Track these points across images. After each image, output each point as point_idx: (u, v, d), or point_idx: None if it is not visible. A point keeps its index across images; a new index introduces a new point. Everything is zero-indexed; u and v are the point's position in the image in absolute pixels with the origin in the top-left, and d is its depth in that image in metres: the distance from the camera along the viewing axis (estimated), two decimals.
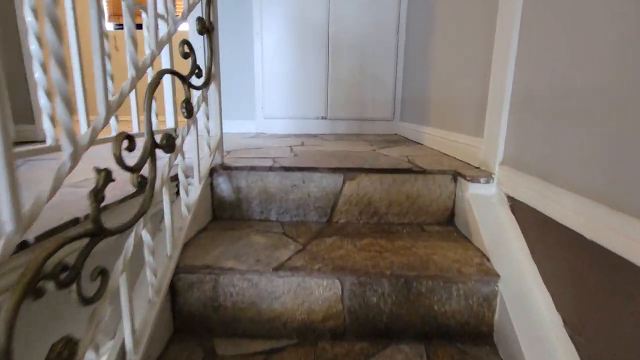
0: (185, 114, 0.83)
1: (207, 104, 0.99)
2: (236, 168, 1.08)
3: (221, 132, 1.10)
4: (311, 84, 2.29)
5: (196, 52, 0.85)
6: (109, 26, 4.56)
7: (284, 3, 2.19)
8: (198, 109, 0.93)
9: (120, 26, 4.58)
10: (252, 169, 1.07)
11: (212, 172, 1.08)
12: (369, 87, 2.28)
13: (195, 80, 0.89)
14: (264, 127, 2.37)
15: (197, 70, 0.89)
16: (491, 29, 1.01)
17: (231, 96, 2.35)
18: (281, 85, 2.30)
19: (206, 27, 0.97)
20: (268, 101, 2.33)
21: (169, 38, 0.83)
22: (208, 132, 1.05)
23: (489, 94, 1.01)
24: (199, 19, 0.95)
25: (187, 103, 0.83)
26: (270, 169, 1.07)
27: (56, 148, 0.60)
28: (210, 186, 1.09)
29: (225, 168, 1.08)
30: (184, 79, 0.82)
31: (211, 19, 0.99)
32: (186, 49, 0.83)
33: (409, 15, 2.12)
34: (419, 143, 1.78)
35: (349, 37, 2.21)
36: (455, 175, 1.04)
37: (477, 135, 1.11)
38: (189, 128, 0.88)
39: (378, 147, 1.61)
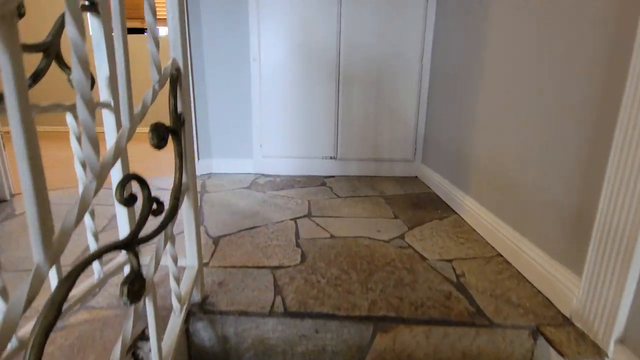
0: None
1: (172, 243, 0.66)
2: (221, 313, 0.76)
3: (199, 263, 0.78)
4: (318, 119, 1.95)
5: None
6: None
7: (285, 28, 1.84)
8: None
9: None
10: (244, 314, 0.76)
11: (189, 316, 0.77)
12: (386, 123, 1.94)
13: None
14: (264, 167, 2.05)
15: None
16: (617, 80, 0.68)
17: (225, 132, 2.02)
18: (282, 120, 1.96)
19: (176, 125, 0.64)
20: (267, 138, 2.00)
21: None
22: (175, 263, 0.73)
23: (599, 207, 0.69)
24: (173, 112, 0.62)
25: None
26: (270, 314, 0.76)
27: None
28: (186, 333, 0.78)
29: (207, 312, 0.76)
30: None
31: (180, 112, 0.66)
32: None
33: (436, 42, 1.77)
34: (453, 210, 1.45)
35: (363, 66, 1.86)
36: (536, 333, 0.73)
37: (569, 265, 0.79)
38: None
39: (404, 219, 1.28)
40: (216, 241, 1.12)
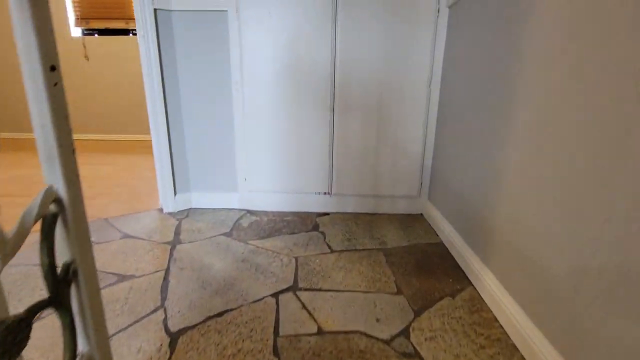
0: None
1: None
2: None
3: None
4: (310, 150, 1.71)
5: None
6: (77, 31, 3.90)
7: (271, 47, 1.58)
8: None
9: (90, 31, 3.93)
10: None
11: None
12: (388, 155, 1.69)
13: None
14: (249, 202, 1.81)
15: None
16: None
17: (205, 164, 1.78)
18: (270, 151, 1.72)
19: None
20: (253, 171, 1.77)
21: None
22: None
23: None
24: None
25: None
26: None
27: None
28: None
29: None
30: None
31: None
32: None
33: (448, 64, 1.51)
34: (468, 279, 1.22)
35: (362, 90, 1.61)
36: None
37: None
38: None
39: (409, 294, 1.06)
40: (174, 341, 0.89)
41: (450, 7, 1.48)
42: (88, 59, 3.96)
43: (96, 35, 3.94)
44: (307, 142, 1.70)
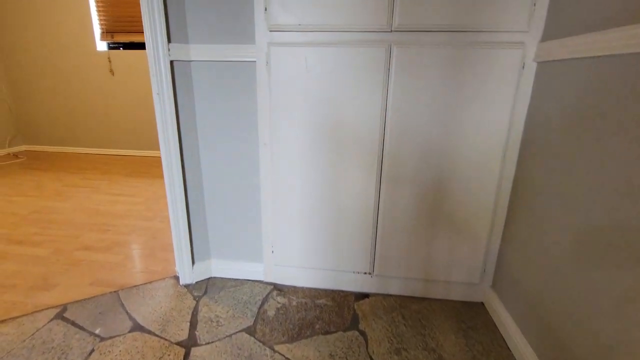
0: None
1: None
2: None
3: None
4: (348, 223, 1.43)
5: None
6: (102, 45, 3.79)
7: (307, 102, 1.31)
8: None
9: (115, 45, 3.80)
10: None
11: None
12: (445, 235, 1.39)
13: None
14: (277, 276, 1.57)
15: None
16: None
17: (227, 230, 1.55)
18: (300, 221, 1.47)
19: None
20: (281, 242, 1.52)
21: None
22: None
23: None
24: None
25: None
26: None
27: None
28: None
29: None
30: None
31: None
32: None
33: (534, 129, 1.18)
34: None
35: (417, 159, 1.31)
36: None
37: None
38: None
39: None
40: None
41: (539, 62, 1.14)
42: (113, 74, 3.85)
43: (121, 48, 3.81)
44: (346, 214, 1.42)
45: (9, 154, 4.02)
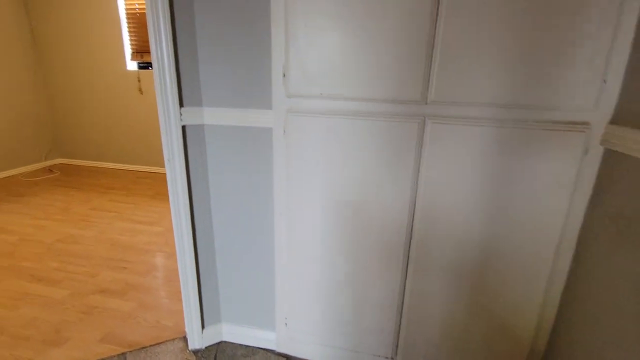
0: None
1: None
2: None
3: None
4: (369, 304, 1.29)
5: None
6: (132, 65, 3.85)
7: (326, 175, 1.18)
8: None
9: (144, 64, 3.85)
10: None
11: None
12: (481, 329, 1.21)
13: None
14: (291, 348, 1.46)
15: None
16: None
17: (239, 295, 1.46)
18: (316, 295, 1.34)
19: None
20: (295, 314, 1.40)
21: None
22: None
23: None
24: None
25: None
26: None
27: None
28: None
29: None
30: None
31: None
32: None
33: (597, 220, 0.98)
34: None
35: (451, 248, 1.14)
36: None
37: None
38: None
39: None
40: None
41: (607, 148, 0.94)
42: (142, 92, 3.90)
43: (149, 68, 3.85)
44: (369, 294, 1.28)
45: (44, 167, 4.18)
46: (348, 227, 1.21)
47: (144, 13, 3.63)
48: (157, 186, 3.65)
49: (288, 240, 1.30)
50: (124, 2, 3.64)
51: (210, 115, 1.22)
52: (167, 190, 3.54)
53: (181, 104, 1.19)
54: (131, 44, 3.78)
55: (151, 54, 1.12)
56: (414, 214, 1.14)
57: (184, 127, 1.22)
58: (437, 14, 0.96)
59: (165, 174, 4.05)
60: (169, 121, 1.19)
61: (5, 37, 3.72)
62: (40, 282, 1.96)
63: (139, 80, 3.86)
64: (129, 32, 3.73)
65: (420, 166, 1.08)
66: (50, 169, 4.12)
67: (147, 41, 3.72)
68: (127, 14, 3.68)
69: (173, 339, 1.55)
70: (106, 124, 4.10)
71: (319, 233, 1.25)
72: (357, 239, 1.22)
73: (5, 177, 3.79)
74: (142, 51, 3.79)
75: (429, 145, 1.06)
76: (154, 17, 1.08)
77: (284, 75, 1.10)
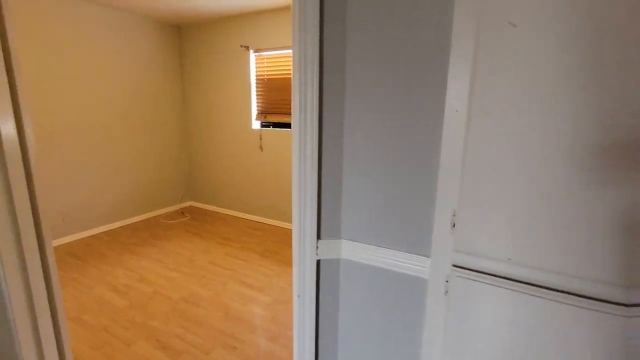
0: None
1: None
2: None
3: None
4: None
5: None
6: (256, 124, 4.19)
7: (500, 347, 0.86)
8: None
9: (267, 123, 4.14)
10: None
11: None
12: None
13: None
14: None
15: None
16: None
17: None
18: None
19: None
20: None
21: None
22: None
23: None
24: None
25: None
26: None
27: None
28: None
29: None
30: None
31: None
32: None
33: None
34: None
35: None
36: None
37: None
38: None
39: None
40: None
41: None
42: (262, 149, 4.19)
43: (271, 127, 4.13)
44: None
45: (179, 210, 4.80)
46: None
47: (271, 78, 3.95)
48: (266, 241, 3.76)
49: None
50: (255, 69, 4.04)
51: (349, 250, 1.05)
52: (274, 247, 3.61)
53: (318, 237, 1.06)
54: (258, 106, 4.14)
55: (292, 189, 1.02)
56: None
57: (318, 262, 1.08)
58: None
59: (275, 226, 4.21)
60: (303, 255, 1.06)
61: (168, 102, 4.51)
62: (164, 351, 2.06)
63: (260, 138, 4.17)
64: (257, 95, 4.09)
65: None
66: (182, 212, 4.70)
67: (270, 103, 4.02)
68: (257, 79, 4.07)
69: None
70: (230, 175, 4.52)
71: None
72: None
73: (152, 217, 4.45)
74: (265, 112, 4.10)
75: None
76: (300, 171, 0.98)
77: (454, 226, 0.86)
